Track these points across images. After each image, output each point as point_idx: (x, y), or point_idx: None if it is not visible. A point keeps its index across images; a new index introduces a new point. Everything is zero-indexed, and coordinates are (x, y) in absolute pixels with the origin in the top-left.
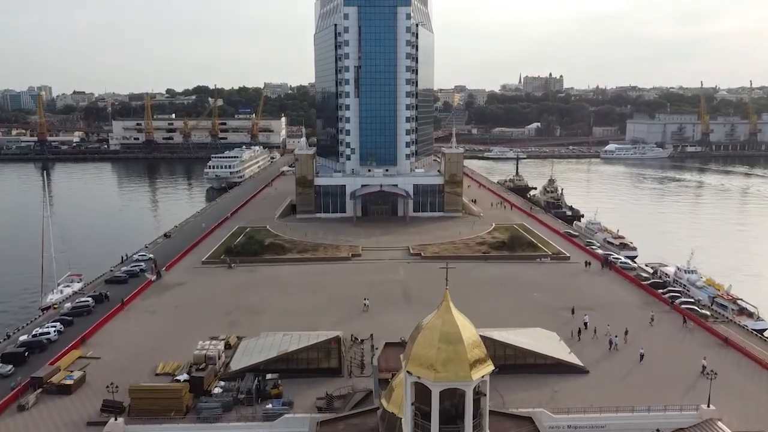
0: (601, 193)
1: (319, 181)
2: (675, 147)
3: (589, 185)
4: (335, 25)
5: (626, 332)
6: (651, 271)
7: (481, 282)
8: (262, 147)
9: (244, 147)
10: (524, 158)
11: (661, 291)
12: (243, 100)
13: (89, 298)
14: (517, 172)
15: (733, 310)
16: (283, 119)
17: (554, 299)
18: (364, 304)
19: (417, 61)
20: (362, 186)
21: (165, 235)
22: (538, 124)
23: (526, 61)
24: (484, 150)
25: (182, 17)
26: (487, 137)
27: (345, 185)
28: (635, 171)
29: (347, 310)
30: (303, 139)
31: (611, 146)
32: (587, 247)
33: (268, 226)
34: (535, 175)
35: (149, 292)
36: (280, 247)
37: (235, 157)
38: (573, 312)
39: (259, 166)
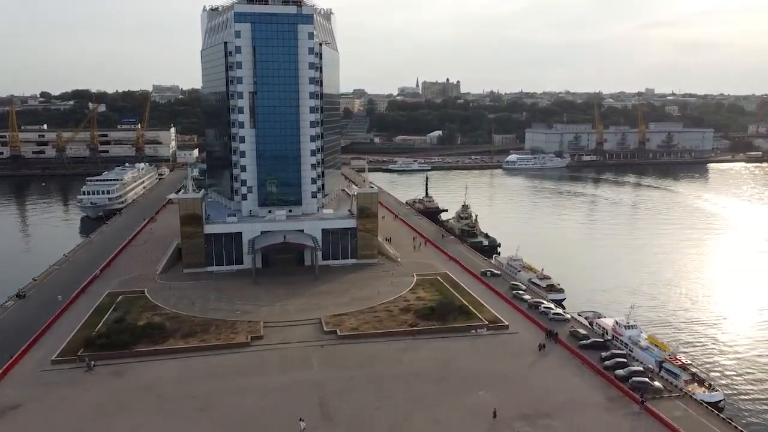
0: (509, 212)
1: (210, 228)
2: (572, 156)
3: (497, 203)
4: (225, 43)
5: None
6: (587, 323)
7: (412, 376)
8: (148, 164)
9: (126, 165)
10: (428, 170)
11: (604, 355)
12: (129, 106)
13: None
14: (426, 193)
15: (685, 380)
16: (173, 130)
17: (504, 400)
18: (302, 428)
19: (322, 85)
20: (262, 233)
21: (18, 294)
22: (440, 132)
23: (423, 63)
24: (388, 162)
25: (61, 11)
26: (390, 146)
27: (241, 233)
28: (537, 184)
29: None
30: (189, 178)
31: (513, 156)
32: (513, 301)
33: (146, 291)
34: (443, 191)
35: None
36: (159, 330)
37: (114, 180)
38: (495, 416)
39: (144, 187)
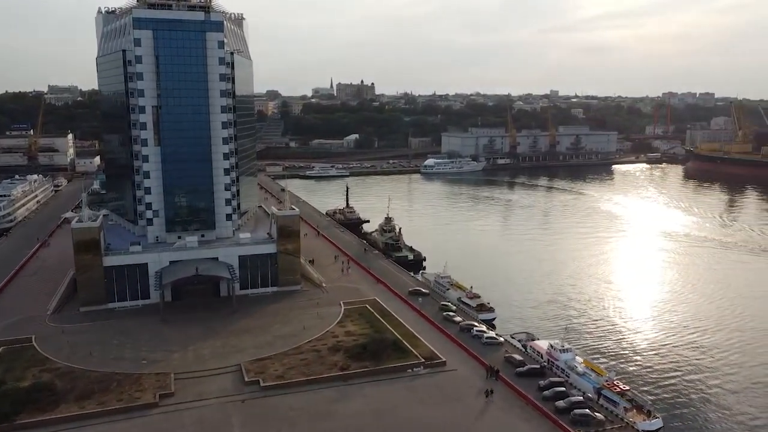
0: (431, 221)
1: (110, 260)
2: (488, 160)
3: (419, 212)
4: (123, 51)
5: None
6: (520, 346)
7: None
8: (42, 175)
9: (16, 177)
10: (347, 175)
11: (541, 384)
12: (20, 109)
13: None
14: (347, 203)
15: (624, 407)
16: (71, 136)
17: None
18: None
19: (234, 97)
20: (171, 263)
21: None
22: (357, 136)
23: (337, 64)
24: (305, 167)
25: None
26: (307, 150)
27: (147, 264)
28: (456, 189)
29: None
30: (84, 204)
31: (430, 161)
32: (446, 328)
33: (34, 339)
34: (364, 198)
35: None
36: (49, 392)
37: (1, 196)
38: None
39: (38, 202)
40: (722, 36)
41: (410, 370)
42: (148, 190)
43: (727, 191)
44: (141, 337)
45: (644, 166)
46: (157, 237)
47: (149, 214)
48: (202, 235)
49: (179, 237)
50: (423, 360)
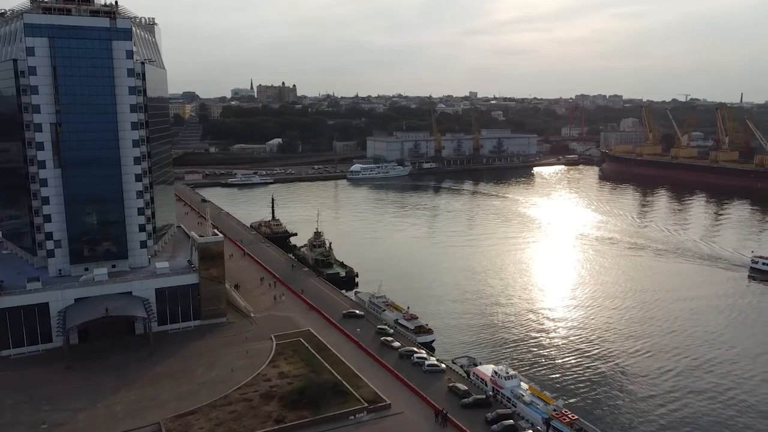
0: (361, 232)
1: (3, 301)
2: (413, 164)
3: (347, 222)
4: (15, 60)
5: None
6: (463, 372)
7: None
8: None
9: None
10: (271, 182)
11: (489, 417)
12: None
13: None
14: (273, 216)
15: None
16: None
17: None
18: None
19: (147, 112)
20: (76, 301)
21: None
22: (280, 140)
23: (257, 65)
24: (226, 174)
25: None
26: (228, 156)
27: (48, 303)
28: (383, 195)
29: None
30: None
31: (356, 166)
32: (385, 360)
33: None
34: (289, 206)
35: None
36: None
37: None
38: None
39: None
40: (625, 40)
41: (353, 417)
42: (48, 218)
43: (641, 192)
44: (41, 393)
45: (563, 167)
46: (59, 270)
47: (50, 244)
48: (113, 266)
49: (86, 269)
50: (366, 404)
